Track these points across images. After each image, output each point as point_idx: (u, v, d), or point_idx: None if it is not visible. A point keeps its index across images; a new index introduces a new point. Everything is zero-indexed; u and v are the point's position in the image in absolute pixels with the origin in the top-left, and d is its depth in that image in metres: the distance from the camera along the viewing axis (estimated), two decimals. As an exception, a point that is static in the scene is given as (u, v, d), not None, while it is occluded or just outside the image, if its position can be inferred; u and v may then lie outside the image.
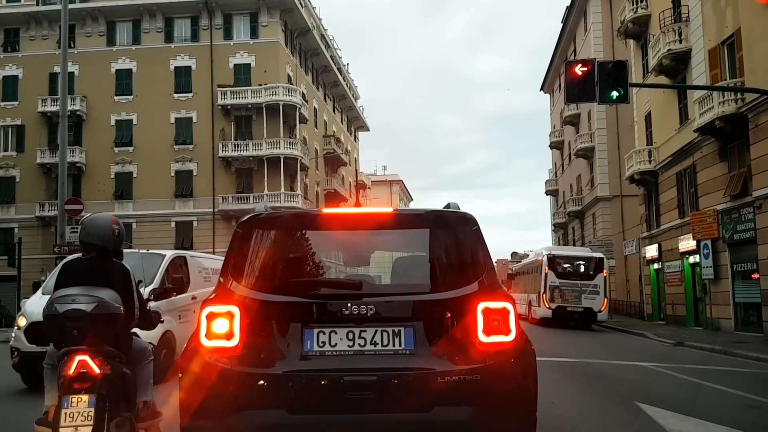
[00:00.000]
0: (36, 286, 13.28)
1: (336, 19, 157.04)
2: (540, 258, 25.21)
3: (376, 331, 3.48)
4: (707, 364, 12.29)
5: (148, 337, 5.41)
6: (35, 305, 7.84)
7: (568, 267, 24.16)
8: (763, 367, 11.80)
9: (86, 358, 3.69)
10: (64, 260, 4.49)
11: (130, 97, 41.46)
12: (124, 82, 41.69)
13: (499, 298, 3.59)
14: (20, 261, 21.90)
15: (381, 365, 3.39)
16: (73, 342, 3.76)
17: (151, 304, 4.83)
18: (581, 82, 12.72)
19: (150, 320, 4.59)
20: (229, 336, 3.45)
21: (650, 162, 27.36)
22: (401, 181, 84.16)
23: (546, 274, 23.79)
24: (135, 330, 4.49)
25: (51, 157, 38.42)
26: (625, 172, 30.37)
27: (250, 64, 41.19)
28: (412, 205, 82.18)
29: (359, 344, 3.47)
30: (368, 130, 67.78)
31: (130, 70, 41.76)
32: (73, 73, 38.68)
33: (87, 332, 3.74)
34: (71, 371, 3.66)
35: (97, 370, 3.69)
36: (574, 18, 43.00)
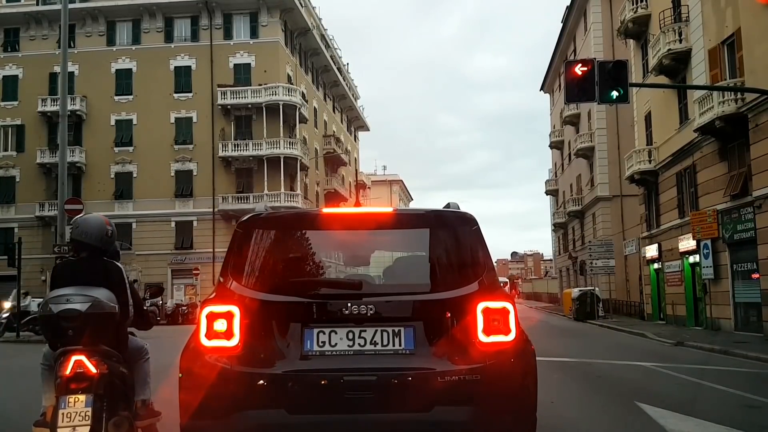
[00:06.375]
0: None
1: (333, 18, 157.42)
2: None
3: (376, 330, 3.47)
4: (707, 364, 12.27)
5: None
6: None
7: None
8: (763, 367, 11.79)
9: (82, 357, 3.67)
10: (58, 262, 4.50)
11: (130, 97, 41.47)
12: (124, 82, 41.70)
13: (499, 298, 3.58)
14: (20, 261, 21.82)
15: (381, 365, 3.38)
16: (69, 342, 3.74)
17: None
18: (581, 82, 12.71)
19: (146, 320, 4.58)
20: (229, 336, 3.44)
21: (650, 162, 27.34)
22: (401, 181, 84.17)
23: None
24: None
25: (51, 157, 38.44)
26: (625, 172, 30.35)
27: (250, 64, 41.20)
28: (412, 205, 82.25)
29: (359, 344, 3.46)
30: (368, 130, 67.84)
31: (130, 70, 41.77)
32: (73, 73, 38.68)
33: (83, 332, 3.73)
34: (68, 371, 3.64)
35: (93, 370, 3.68)
36: (574, 18, 43.00)
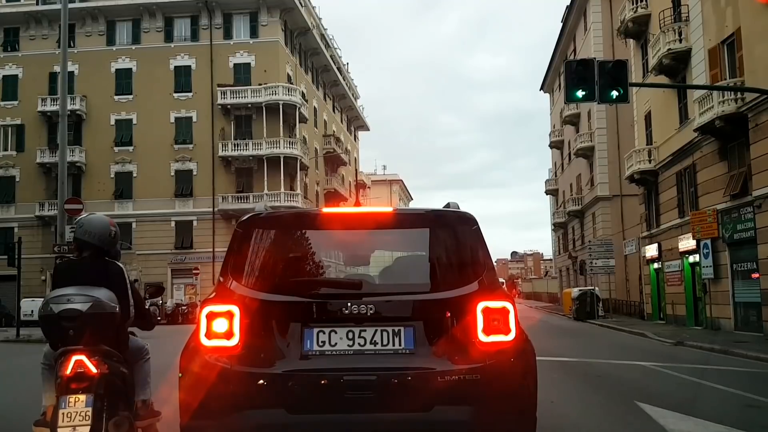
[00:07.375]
0: None
1: (333, 18, 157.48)
2: None
3: (376, 330, 3.47)
4: (707, 363, 12.28)
5: None
6: None
7: None
8: (763, 367, 11.80)
9: (83, 357, 3.67)
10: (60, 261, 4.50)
11: (130, 96, 41.47)
12: (124, 81, 41.70)
13: (499, 298, 3.58)
14: (20, 261, 21.87)
15: (381, 365, 3.38)
16: (70, 342, 3.74)
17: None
18: (581, 82, 12.71)
19: (147, 320, 4.58)
20: (228, 335, 3.44)
21: (650, 161, 27.34)
22: (401, 180, 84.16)
23: None
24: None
25: (51, 156, 38.45)
26: (625, 171, 30.35)
27: (250, 63, 41.20)
28: (412, 205, 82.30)
29: (359, 344, 3.46)
30: (368, 129, 67.84)
31: (130, 69, 41.77)
32: (73, 72, 38.67)
33: (83, 332, 3.73)
34: (68, 371, 3.64)
35: (94, 370, 3.68)
36: (573, 17, 43.01)
